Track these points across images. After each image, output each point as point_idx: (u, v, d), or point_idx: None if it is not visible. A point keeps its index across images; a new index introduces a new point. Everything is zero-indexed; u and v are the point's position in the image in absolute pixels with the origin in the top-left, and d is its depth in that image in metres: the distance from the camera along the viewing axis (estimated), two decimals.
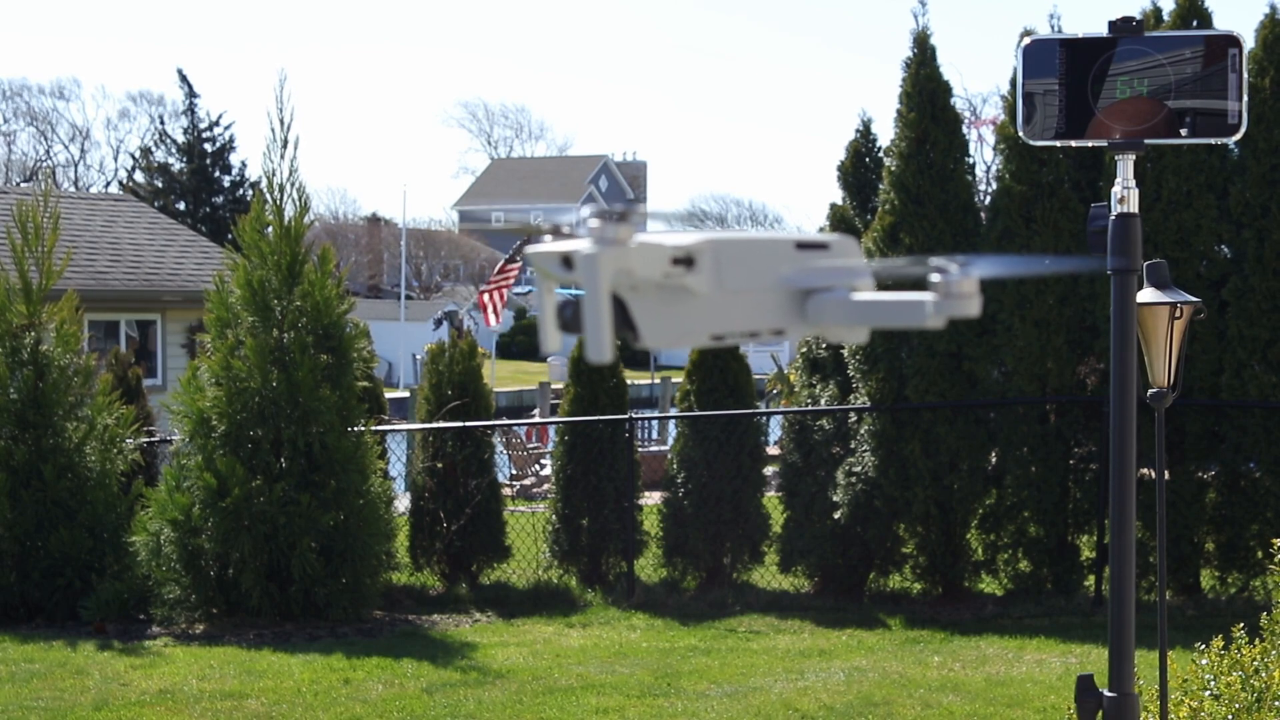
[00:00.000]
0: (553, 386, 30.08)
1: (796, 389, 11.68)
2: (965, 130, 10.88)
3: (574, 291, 1.05)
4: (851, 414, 10.71)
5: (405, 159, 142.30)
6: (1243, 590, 10.12)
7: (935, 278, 1.05)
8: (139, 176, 56.29)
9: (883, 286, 1.09)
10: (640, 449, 13.69)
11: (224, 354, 9.93)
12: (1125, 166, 2.64)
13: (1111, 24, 2.61)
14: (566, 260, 1.03)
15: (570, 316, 1.05)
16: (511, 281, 31.02)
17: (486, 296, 29.68)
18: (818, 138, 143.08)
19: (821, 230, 11.75)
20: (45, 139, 75.72)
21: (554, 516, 11.55)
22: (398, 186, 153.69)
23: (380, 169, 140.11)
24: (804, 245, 1.08)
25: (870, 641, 9.38)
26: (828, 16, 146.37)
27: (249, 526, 9.57)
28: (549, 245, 1.06)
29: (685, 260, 1.02)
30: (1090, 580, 10.46)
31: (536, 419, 24.41)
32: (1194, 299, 4.48)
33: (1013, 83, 9.85)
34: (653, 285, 1.02)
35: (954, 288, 1.05)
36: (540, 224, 1.09)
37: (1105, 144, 2.62)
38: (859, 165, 11.36)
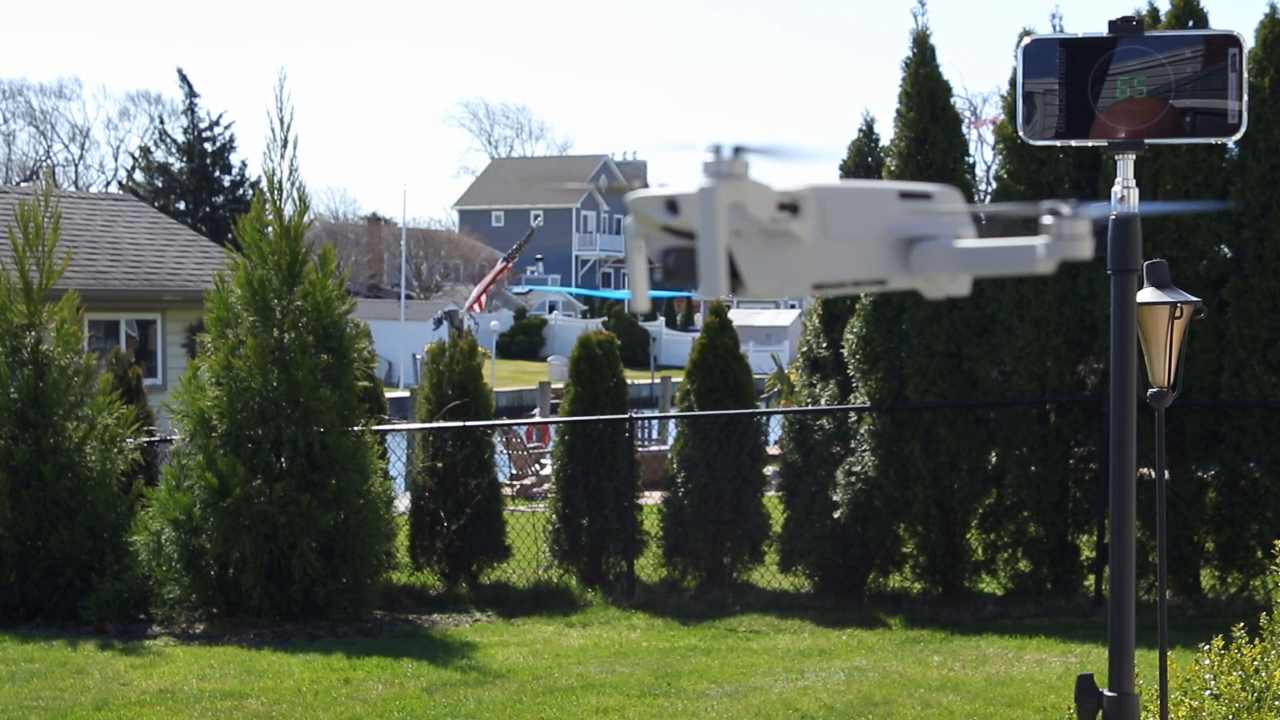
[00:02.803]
0: (553, 386, 30.08)
1: (797, 388, 11.69)
2: (965, 130, 10.88)
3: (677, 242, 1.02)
4: (851, 414, 10.71)
5: (405, 159, 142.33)
6: (1243, 590, 10.12)
7: (1048, 220, 1.03)
8: (139, 176, 56.34)
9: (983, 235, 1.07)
10: (640, 449, 13.69)
11: (224, 354, 9.93)
12: (1125, 166, 2.64)
13: (1111, 24, 2.61)
14: (671, 204, 1.02)
15: (675, 263, 1.03)
16: (499, 275, 31.17)
17: (482, 286, 29.92)
18: (818, 138, 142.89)
19: None
20: (45, 139, 75.73)
21: (554, 516, 11.55)
22: (398, 186, 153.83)
23: (380, 169, 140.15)
24: (907, 194, 1.07)
25: (870, 641, 9.38)
26: (828, 17, 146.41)
27: (249, 526, 9.57)
28: (651, 190, 1.04)
29: (790, 206, 1.00)
30: (1090, 580, 10.46)
31: (536, 419, 24.41)
32: (1194, 299, 4.48)
33: (1013, 82, 9.85)
34: (756, 232, 1.00)
35: (1066, 229, 1.03)
36: (627, 184, 1.08)
37: (1105, 144, 2.62)
38: (861, 165, 11.35)
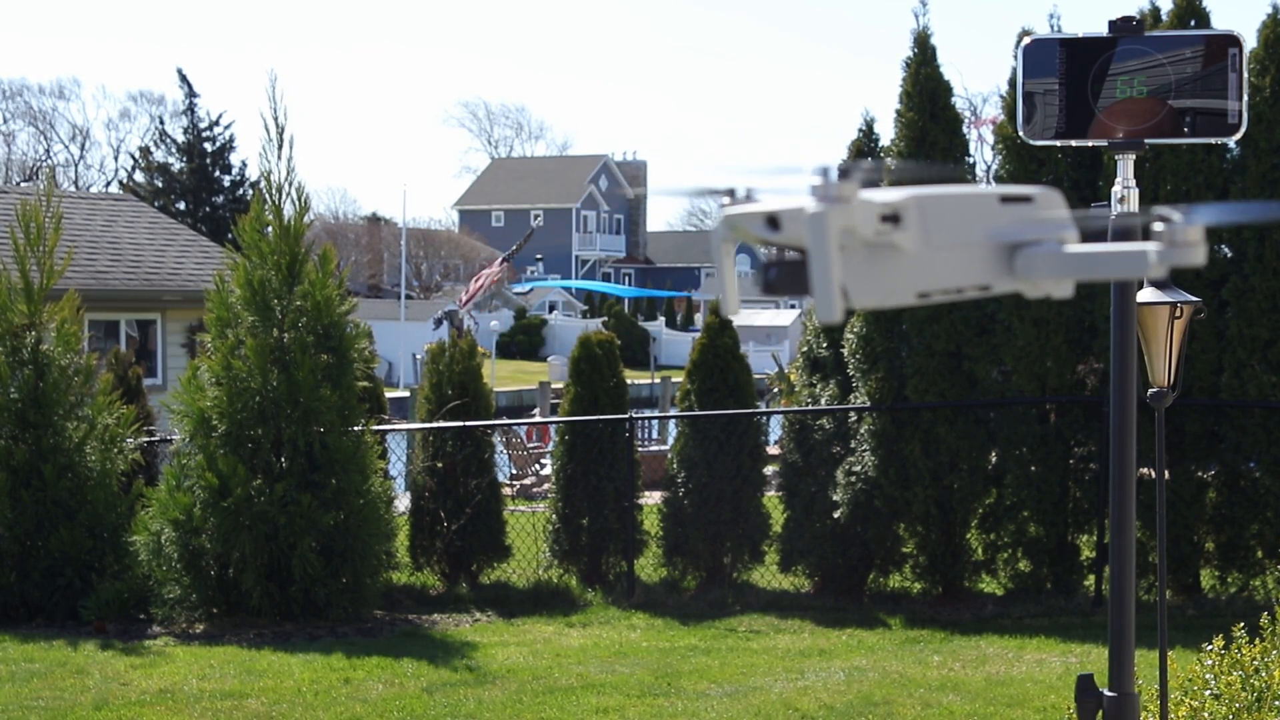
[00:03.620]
0: (553, 386, 30.08)
1: (797, 388, 11.68)
2: (965, 130, 10.88)
3: (784, 253, 1.04)
4: (851, 414, 10.71)
5: (405, 159, 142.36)
6: (1243, 590, 10.12)
7: (1159, 226, 1.04)
8: (139, 176, 56.35)
9: (1086, 238, 1.08)
10: (640, 449, 13.69)
11: (224, 354, 9.93)
12: (1125, 166, 2.64)
13: (1111, 24, 2.61)
14: (772, 220, 1.02)
15: (775, 277, 1.04)
16: (497, 278, 31.26)
17: (475, 284, 30.05)
18: (818, 138, 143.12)
19: None
20: (45, 139, 75.72)
21: (554, 516, 11.55)
22: (398, 186, 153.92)
23: (380, 169, 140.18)
24: (1008, 199, 1.07)
25: (870, 641, 9.38)
26: (828, 16, 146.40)
27: (249, 526, 9.57)
28: (750, 206, 1.05)
29: (892, 217, 1.01)
30: (1090, 580, 10.46)
31: (536, 419, 24.41)
32: (1194, 299, 4.48)
33: (1012, 82, 9.85)
34: (860, 245, 1.01)
35: (1179, 236, 1.03)
36: (723, 189, 1.08)
37: (1105, 144, 2.62)
38: None
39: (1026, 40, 2.66)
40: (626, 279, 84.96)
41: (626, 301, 67.86)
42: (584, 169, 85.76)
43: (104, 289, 19.71)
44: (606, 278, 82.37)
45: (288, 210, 10.20)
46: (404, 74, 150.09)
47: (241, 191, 53.21)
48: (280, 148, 10.34)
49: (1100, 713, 2.66)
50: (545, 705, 7.52)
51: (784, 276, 1.04)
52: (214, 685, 7.96)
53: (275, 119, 10.33)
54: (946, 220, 1.03)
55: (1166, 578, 5.95)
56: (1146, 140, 2.61)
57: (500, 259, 34.50)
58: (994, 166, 11.37)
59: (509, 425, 19.07)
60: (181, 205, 52.69)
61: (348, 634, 9.60)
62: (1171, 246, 1.04)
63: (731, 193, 1.08)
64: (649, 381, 39.35)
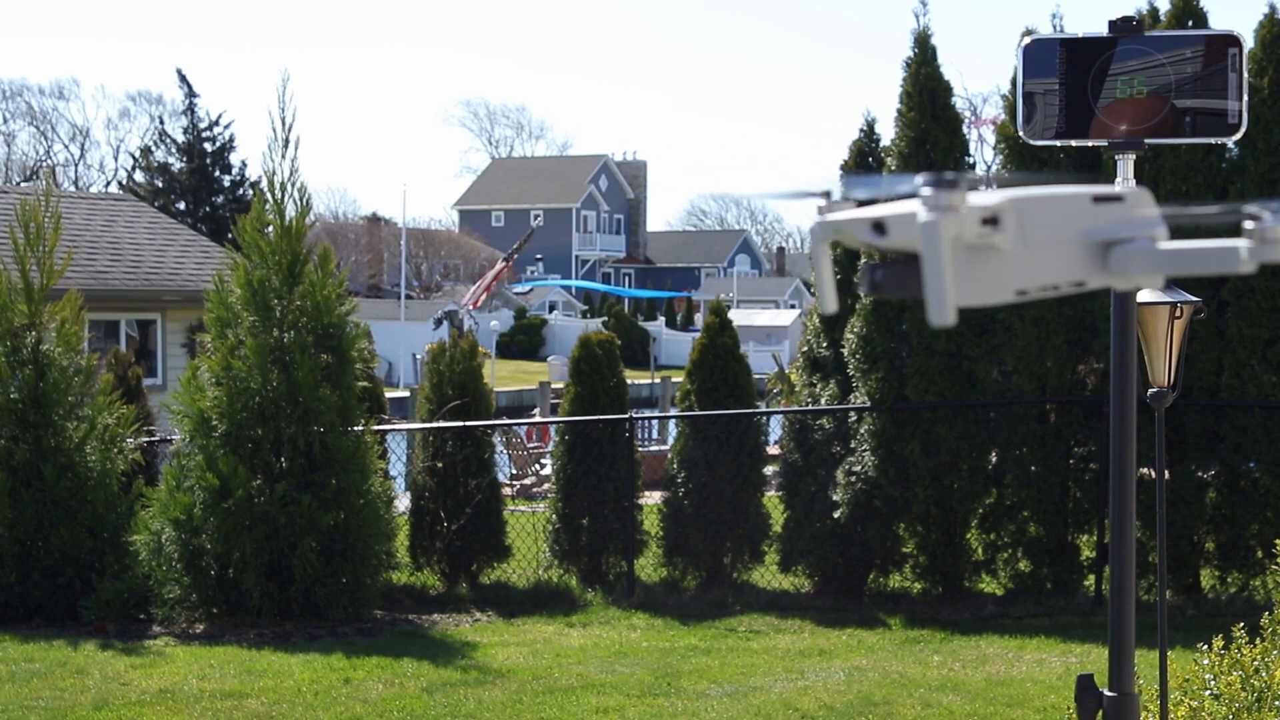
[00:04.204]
0: (553, 386, 30.08)
1: (797, 388, 11.68)
2: (965, 130, 10.88)
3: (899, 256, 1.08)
4: (851, 413, 10.71)
5: (405, 159, 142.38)
6: (1243, 590, 10.12)
7: (1250, 224, 1.06)
8: (139, 176, 56.35)
9: (1175, 235, 1.11)
10: (640, 449, 13.69)
11: (224, 354, 9.93)
12: (1125, 166, 2.64)
13: (1111, 24, 2.61)
14: (879, 226, 1.06)
15: (882, 279, 1.08)
16: (500, 275, 31.34)
17: (480, 285, 30.10)
18: (818, 138, 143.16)
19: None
20: (45, 139, 75.76)
21: (554, 516, 11.55)
22: (398, 186, 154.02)
23: (380, 169, 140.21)
24: (1100, 198, 1.10)
25: (870, 641, 9.38)
26: (829, 16, 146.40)
27: (250, 526, 9.57)
28: (856, 211, 1.09)
29: (991, 219, 1.04)
30: (1090, 580, 10.46)
31: (536, 419, 24.41)
32: (1194, 299, 4.48)
33: (1013, 82, 9.85)
34: (962, 247, 1.04)
35: (1270, 233, 1.06)
36: (812, 191, 1.13)
37: (1105, 144, 2.62)
38: (862, 165, 11.35)
39: (1027, 40, 2.66)
40: (626, 279, 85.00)
41: (626, 301, 67.87)
42: (584, 169, 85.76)
43: (104, 289, 19.71)
44: (606, 278, 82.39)
45: (289, 210, 10.20)
46: (404, 74, 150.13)
47: (241, 191, 53.21)
48: (285, 147, 10.34)
49: (1100, 713, 2.66)
50: (545, 705, 7.52)
51: (890, 278, 1.08)
52: (214, 685, 7.96)
53: (283, 119, 10.32)
54: (1042, 221, 1.07)
55: (1166, 578, 5.95)
56: (1146, 140, 2.61)
57: (501, 259, 34.53)
58: (995, 166, 11.37)
59: (509, 425, 19.07)
60: (181, 205, 52.69)
61: (348, 634, 9.60)
62: (1262, 243, 1.06)
63: (827, 195, 1.13)
64: (649, 381, 39.37)
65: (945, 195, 1.02)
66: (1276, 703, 4.47)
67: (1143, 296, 4.31)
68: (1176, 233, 1.15)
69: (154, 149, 55.92)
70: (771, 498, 11.79)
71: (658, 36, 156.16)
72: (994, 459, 10.51)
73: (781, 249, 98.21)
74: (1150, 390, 4.44)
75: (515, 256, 32.75)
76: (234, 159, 54.92)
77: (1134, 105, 2.59)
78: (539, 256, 75.63)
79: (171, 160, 54.73)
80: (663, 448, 17.32)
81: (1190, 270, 1.09)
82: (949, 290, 1.02)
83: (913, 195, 1.06)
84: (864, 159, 11.35)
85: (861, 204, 1.12)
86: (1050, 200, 1.08)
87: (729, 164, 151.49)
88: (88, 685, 7.96)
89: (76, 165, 75.22)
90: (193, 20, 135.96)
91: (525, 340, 58.04)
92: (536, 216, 79.97)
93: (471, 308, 31.87)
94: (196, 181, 53.78)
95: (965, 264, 1.05)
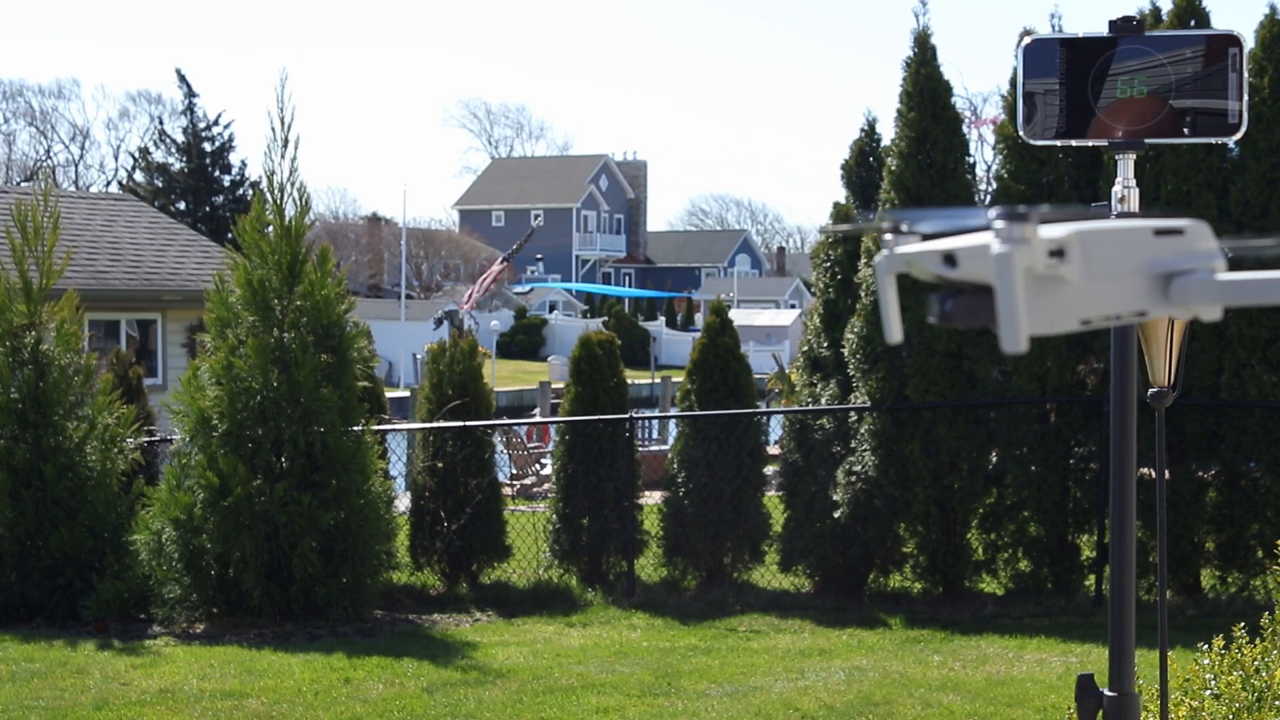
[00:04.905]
0: (553, 386, 30.08)
1: (797, 388, 11.68)
2: (965, 130, 10.88)
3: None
4: (852, 413, 10.71)
5: (405, 159, 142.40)
6: (1243, 590, 10.12)
7: None
8: (139, 176, 56.34)
9: (1234, 266, 1.16)
10: (640, 448, 13.69)
11: (225, 353, 9.93)
12: (1125, 166, 2.64)
13: (1112, 24, 2.61)
14: (949, 258, 1.11)
15: (953, 309, 1.13)
16: (499, 275, 31.36)
17: (478, 284, 30.14)
18: (818, 138, 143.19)
19: (823, 229, 11.73)
20: (45, 139, 75.77)
21: (554, 516, 11.55)
22: (398, 186, 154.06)
23: (380, 169, 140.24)
24: (1161, 231, 1.14)
25: (870, 641, 9.38)
26: (829, 16, 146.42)
27: (250, 526, 9.57)
28: (927, 244, 1.13)
29: (1058, 251, 1.08)
30: (1090, 580, 10.46)
31: (537, 418, 24.41)
32: None
33: (1013, 82, 9.85)
34: (1030, 277, 1.08)
35: None
36: (880, 224, 1.17)
37: (1105, 144, 2.61)
38: (862, 164, 11.35)
39: (1027, 40, 2.66)
40: (627, 279, 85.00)
41: (626, 301, 67.87)
42: (584, 169, 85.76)
43: (104, 289, 19.72)
44: (607, 278, 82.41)
45: (289, 210, 10.20)
46: (404, 74, 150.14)
47: (241, 191, 53.21)
48: (285, 147, 10.33)
49: (1100, 713, 2.66)
50: (545, 705, 7.52)
51: (961, 309, 1.13)
52: (214, 685, 7.96)
53: (282, 119, 10.32)
54: (1106, 253, 1.11)
55: (1166, 578, 5.95)
56: (1147, 140, 2.61)
57: (501, 259, 34.53)
58: (995, 166, 11.37)
59: (509, 425, 19.07)
60: (181, 205, 52.69)
61: (348, 634, 9.60)
62: None
63: (897, 227, 1.17)
64: (649, 381, 39.37)
65: (1018, 228, 1.06)
66: (1277, 703, 4.47)
67: None
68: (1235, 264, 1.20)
69: (153, 149, 55.92)
70: (771, 498, 11.79)
71: (658, 36, 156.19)
72: (994, 459, 10.51)
73: (782, 249, 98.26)
74: (1150, 390, 4.44)
75: (514, 256, 32.73)
76: (233, 159, 54.92)
77: (1134, 105, 2.59)
78: (539, 256, 75.63)
79: (171, 160, 54.72)
80: (663, 448, 17.32)
81: (1248, 301, 1.13)
82: (1022, 320, 1.06)
83: (983, 228, 1.09)
84: (864, 159, 11.35)
85: (927, 237, 1.16)
86: (1114, 233, 1.12)
87: (729, 164, 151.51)
88: (88, 685, 7.96)
89: (76, 165, 75.25)
90: (192, 20, 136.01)
91: (525, 340, 58.05)
92: (537, 216, 79.97)
93: (468, 308, 31.87)
94: (196, 181, 53.77)
95: (1033, 294, 1.09)
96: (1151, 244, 1.13)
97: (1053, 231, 1.08)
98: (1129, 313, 1.13)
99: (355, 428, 10.06)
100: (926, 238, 1.15)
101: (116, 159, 76.37)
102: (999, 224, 1.07)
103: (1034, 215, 1.07)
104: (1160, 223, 1.15)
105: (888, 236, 1.16)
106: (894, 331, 1.19)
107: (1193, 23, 9.89)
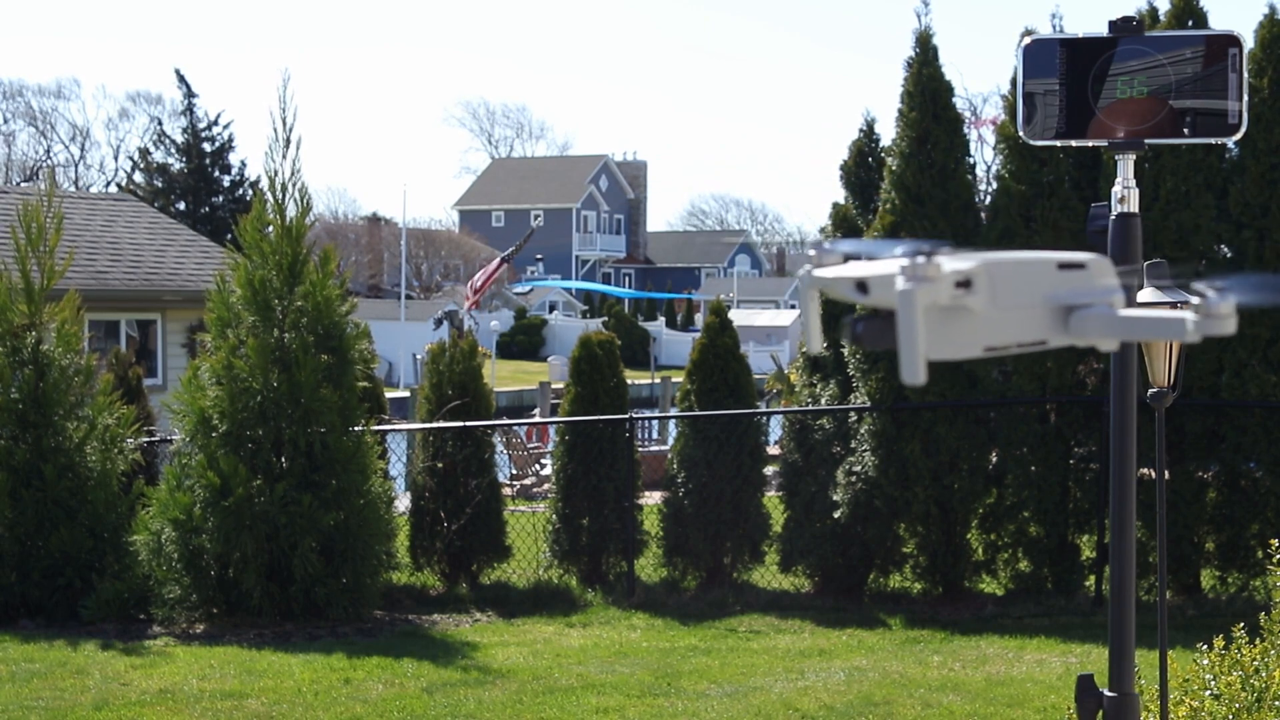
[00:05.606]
0: (553, 386, 30.08)
1: (797, 388, 11.68)
2: (965, 130, 10.88)
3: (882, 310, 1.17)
4: (852, 414, 10.71)
5: (405, 159, 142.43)
6: (1243, 590, 10.12)
7: (1197, 300, 1.17)
8: (139, 176, 56.31)
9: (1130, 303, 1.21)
10: (640, 449, 13.69)
11: (225, 354, 9.93)
12: (1125, 166, 2.64)
13: (1112, 24, 2.61)
14: (861, 285, 1.16)
15: (863, 332, 1.17)
16: (496, 274, 31.32)
17: (479, 281, 30.09)
18: (818, 138, 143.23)
19: (823, 230, 11.74)
20: (45, 139, 75.78)
21: (554, 516, 11.55)
22: (398, 186, 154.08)
23: (380, 169, 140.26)
24: (1064, 265, 1.20)
25: (870, 641, 9.38)
26: (829, 16, 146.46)
27: (250, 526, 9.57)
28: (843, 269, 1.18)
29: (965, 283, 1.13)
30: (1090, 580, 10.46)
31: (537, 419, 24.41)
32: (1194, 299, 4.47)
33: (1013, 82, 9.85)
34: (936, 308, 1.13)
35: (1214, 309, 1.17)
36: (810, 251, 1.22)
37: (1105, 144, 2.62)
38: (862, 165, 11.35)
39: (1027, 40, 2.66)
40: (627, 279, 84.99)
41: (626, 302, 67.86)
42: (584, 169, 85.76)
43: (104, 289, 19.72)
44: (606, 278, 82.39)
45: (290, 210, 10.20)
46: (404, 74, 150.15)
47: (241, 191, 53.18)
48: (286, 148, 10.33)
49: (1100, 713, 2.66)
50: (545, 705, 7.52)
51: (870, 332, 1.17)
52: (214, 685, 7.97)
53: (284, 119, 10.32)
54: (1011, 285, 1.16)
55: (1166, 578, 5.95)
56: (1146, 140, 2.61)
57: (499, 258, 34.52)
58: (995, 166, 11.37)
59: (509, 425, 19.07)
60: (181, 205, 52.67)
61: (348, 634, 9.60)
62: (1207, 318, 1.17)
63: (819, 246, 1.22)
64: (649, 381, 39.36)
65: (922, 266, 1.11)
66: (1276, 703, 4.48)
67: (1143, 296, 4.31)
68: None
69: (153, 149, 55.89)
70: (771, 498, 11.79)
71: (658, 36, 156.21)
72: (994, 459, 10.51)
73: (782, 249, 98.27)
74: (1150, 390, 4.44)
75: (514, 256, 32.69)
76: (233, 159, 54.88)
77: (1134, 105, 2.59)
78: (539, 256, 75.62)
79: (171, 160, 54.70)
80: (663, 448, 17.32)
81: (1142, 337, 1.18)
82: (920, 353, 1.11)
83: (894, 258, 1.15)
84: (864, 159, 11.35)
85: (849, 258, 1.21)
86: (1019, 265, 1.17)
87: (729, 164, 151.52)
88: (88, 685, 7.97)
89: (76, 165, 75.25)
90: (192, 20, 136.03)
91: (525, 340, 58.05)
92: (537, 216, 79.96)
93: (471, 306, 31.88)
94: (196, 182, 53.75)
95: (940, 322, 1.13)
96: (1054, 277, 1.18)
97: (961, 264, 1.13)
98: (1031, 341, 1.18)
99: (355, 428, 10.06)
100: (848, 258, 1.20)
101: (116, 159, 76.37)
102: (905, 261, 1.11)
103: (939, 252, 1.12)
104: (1064, 257, 1.20)
105: (810, 253, 1.20)
106: (814, 342, 1.24)
107: (1190, 23, 9.89)
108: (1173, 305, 4.42)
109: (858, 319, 1.18)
